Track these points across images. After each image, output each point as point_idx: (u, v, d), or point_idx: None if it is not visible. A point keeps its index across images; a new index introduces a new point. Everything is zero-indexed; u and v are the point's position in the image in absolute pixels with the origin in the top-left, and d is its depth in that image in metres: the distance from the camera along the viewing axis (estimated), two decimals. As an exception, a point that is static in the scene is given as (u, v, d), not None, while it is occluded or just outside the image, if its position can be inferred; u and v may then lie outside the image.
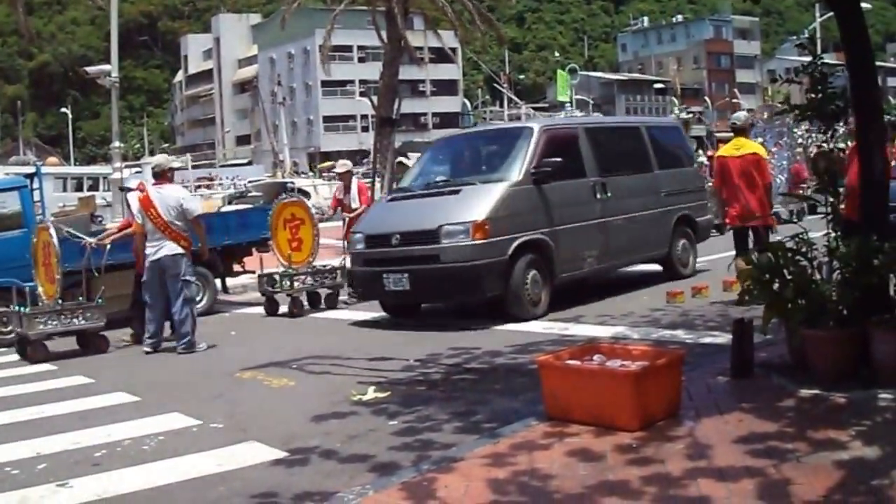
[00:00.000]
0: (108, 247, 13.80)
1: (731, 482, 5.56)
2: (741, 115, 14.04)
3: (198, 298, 15.31)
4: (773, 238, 10.75)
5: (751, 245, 12.67)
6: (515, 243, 12.88)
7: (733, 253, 12.70)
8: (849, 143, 10.49)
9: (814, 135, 28.85)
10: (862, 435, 6.32)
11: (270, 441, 7.74)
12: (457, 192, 13.52)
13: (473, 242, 12.61)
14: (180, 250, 12.71)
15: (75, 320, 12.88)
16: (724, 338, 9.95)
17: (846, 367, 7.62)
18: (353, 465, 6.94)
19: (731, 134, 13.61)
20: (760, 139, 27.61)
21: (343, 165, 18.24)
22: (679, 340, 10.80)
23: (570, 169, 14.16)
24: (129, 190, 14.28)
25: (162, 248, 12.66)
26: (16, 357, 13.19)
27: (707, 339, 10.76)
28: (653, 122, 21.79)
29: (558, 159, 13.54)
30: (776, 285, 8.07)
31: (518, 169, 13.51)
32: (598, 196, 14.47)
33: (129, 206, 14.23)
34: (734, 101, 33.74)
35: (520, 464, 6.28)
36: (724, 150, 13.72)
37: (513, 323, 12.91)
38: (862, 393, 7.27)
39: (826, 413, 6.98)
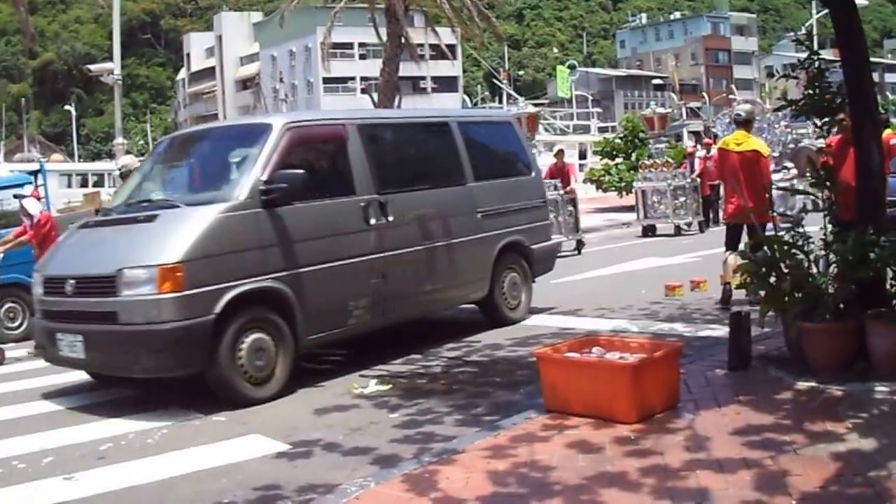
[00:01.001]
0: (2, 255, 13.68)
1: (728, 474, 5.62)
2: (745, 108, 13.45)
3: None
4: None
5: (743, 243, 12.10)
6: (228, 296, 8.88)
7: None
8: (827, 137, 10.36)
9: (794, 131, 28.82)
10: (858, 427, 6.38)
11: (273, 434, 7.81)
12: (152, 218, 9.47)
13: (161, 296, 8.70)
14: None
15: None
16: (721, 331, 9.96)
17: (843, 359, 7.67)
18: (356, 458, 7.01)
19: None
20: None
21: None
22: (677, 333, 10.83)
23: (329, 184, 10.55)
24: (24, 197, 14.17)
25: None
26: (24, 353, 13.19)
27: (705, 332, 10.80)
28: (470, 117, 15.19)
29: (300, 171, 9.58)
30: (773, 279, 8.14)
31: (240, 185, 9.45)
32: (374, 221, 10.42)
33: (25, 213, 13.63)
34: (731, 96, 33.74)
35: (520, 456, 6.33)
36: (724, 142, 13.01)
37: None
38: (858, 385, 7.32)
39: (823, 405, 7.03)
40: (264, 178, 9.41)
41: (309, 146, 10.52)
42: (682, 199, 24.83)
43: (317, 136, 10.77)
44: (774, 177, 22.23)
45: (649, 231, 25.21)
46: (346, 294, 10.15)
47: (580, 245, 22.10)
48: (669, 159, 26.55)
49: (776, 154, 27.33)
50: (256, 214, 9.32)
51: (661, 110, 27.13)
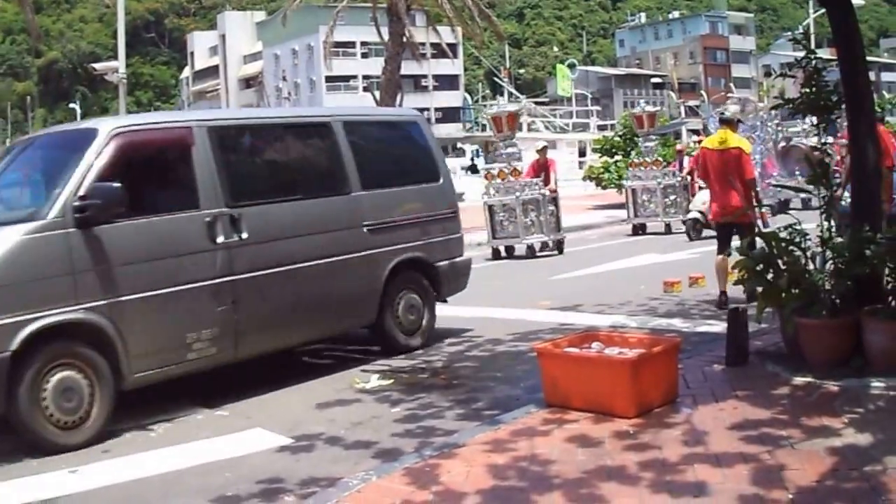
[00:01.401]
0: None
1: (726, 468, 5.67)
2: (730, 108, 13.49)
3: None
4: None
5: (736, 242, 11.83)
6: (28, 330, 7.63)
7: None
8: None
9: (786, 129, 28.74)
10: (854, 422, 6.43)
11: (276, 428, 7.87)
12: None
13: None
14: None
15: None
16: (719, 326, 10.02)
17: (839, 355, 7.71)
18: (357, 452, 7.08)
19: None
20: None
21: None
22: (676, 329, 10.85)
23: (166, 197, 9.18)
24: None
25: None
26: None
27: (703, 328, 10.84)
28: (361, 116, 12.63)
29: (117, 185, 8.20)
30: (770, 275, 8.18)
31: (50, 202, 8.13)
32: (222, 239, 8.98)
33: None
34: (729, 94, 33.82)
35: (520, 450, 6.38)
36: (707, 142, 12.89)
37: (513, 309, 13.01)
38: (854, 381, 7.37)
39: (819, 400, 7.08)
40: (81, 192, 8.11)
41: (142, 154, 8.93)
42: (672, 197, 24.56)
43: (153, 143, 9.17)
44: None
45: (640, 229, 24.98)
46: (183, 325, 8.75)
47: (560, 245, 21.69)
48: (659, 157, 26.20)
49: (760, 151, 27.32)
50: (67, 235, 8.02)
51: (650, 108, 26.60)
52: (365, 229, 10.52)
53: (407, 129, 12.13)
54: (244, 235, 9.15)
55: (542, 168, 22.23)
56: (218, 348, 8.94)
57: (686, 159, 25.94)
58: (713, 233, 19.08)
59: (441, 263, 11.49)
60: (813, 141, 27.72)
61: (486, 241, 21.52)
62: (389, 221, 10.85)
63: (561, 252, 21.38)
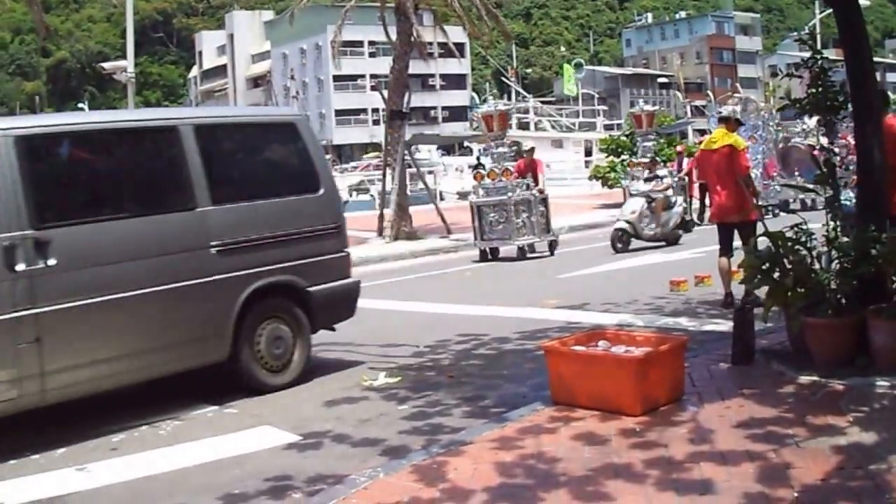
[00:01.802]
0: None
1: (732, 466, 5.70)
2: (727, 107, 13.37)
3: None
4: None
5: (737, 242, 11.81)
6: None
7: (737, 245, 11.88)
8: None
9: (786, 129, 28.69)
10: (859, 421, 6.45)
11: (283, 425, 7.90)
12: None
13: None
14: None
15: None
16: (725, 325, 10.04)
17: (844, 354, 7.73)
18: (365, 449, 7.10)
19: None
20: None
21: None
22: (682, 328, 10.89)
23: None
24: None
25: None
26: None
27: (709, 327, 10.86)
28: (220, 118, 10.77)
29: None
30: (776, 274, 8.21)
31: None
32: (23, 266, 7.65)
33: None
34: (736, 95, 33.86)
35: (527, 447, 6.41)
36: (704, 144, 12.84)
37: (519, 308, 13.04)
38: (860, 380, 7.39)
39: (825, 399, 7.10)
40: None
41: None
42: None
43: None
44: (643, 187, 21.46)
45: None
46: None
47: (553, 246, 21.37)
48: (656, 158, 25.57)
49: (762, 151, 27.21)
50: None
51: (649, 108, 26.17)
52: (214, 250, 8.98)
53: (281, 132, 10.50)
54: (51, 262, 7.82)
55: (529, 169, 22.02)
56: (20, 391, 7.67)
57: (686, 160, 25.77)
58: (645, 244, 19.21)
59: (317, 288, 9.84)
60: (812, 141, 27.78)
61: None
62: (247, 240, 9.25)
63: (552, 253, 21.10)
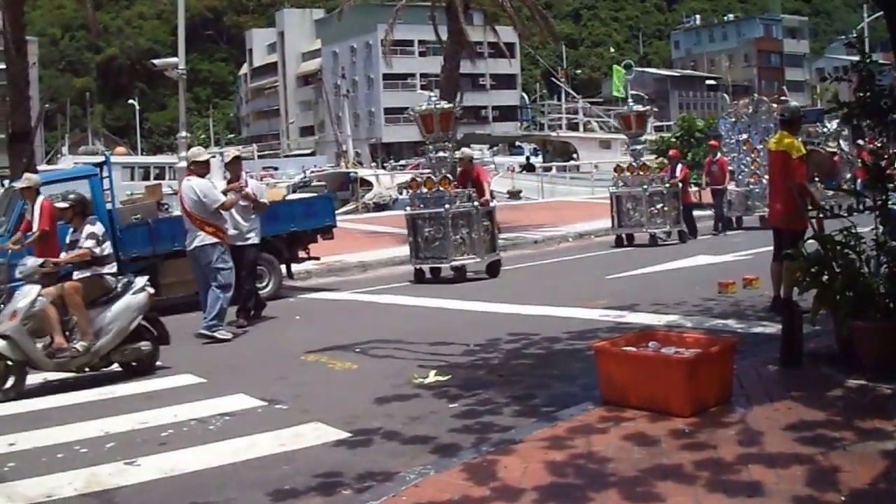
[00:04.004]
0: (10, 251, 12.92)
1: (780, 468, 5.68)
2: (789, 107, 13.00)
3: (264, 283, 15.98)
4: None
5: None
6: None
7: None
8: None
9: (805, 132, 28.32)
10: (908, 425, 6.39)
11: (334, 422, 7.92)
12: None
13: None
14: (209, 240, 12.78)
15: None
16: (773, 328, 10.03)
17: (892, 358, 7.68)
18: (415, 447, 7.12)
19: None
20: (745, 135, 26.40)
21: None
22: (731, 329, 10.83)
23: None
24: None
25: (194, 239, 12.82)
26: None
27: (758, 329, 10.81)
28: None
29: None
30: (825, 277, 8.18)
31: None
32: None
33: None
34: (783, 98, 33.40)
35: (577, 447, 6.42)
36: (769, 142, 12.61)
37: (569, 308, 13.05)
38: (908, 384, 7.34)
39: (872, 403, 7.07)
40: None
41: None
42: (659, 206, 22.74)
43: None
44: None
45: (622, 241, 23.25)
46: None
47: (494, 268, 18.37)
48: (647, 163, 24.14)
49: None
50: None
51: (638, 108, 24.47)
52: None
53: None
54: None
55: (468, 179, 18.92)
56: None
57: (679, 166, 24.42)
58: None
59: None
60: (832, 146, 27.36)
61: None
62: None
63: (496, 276, 18.30)
